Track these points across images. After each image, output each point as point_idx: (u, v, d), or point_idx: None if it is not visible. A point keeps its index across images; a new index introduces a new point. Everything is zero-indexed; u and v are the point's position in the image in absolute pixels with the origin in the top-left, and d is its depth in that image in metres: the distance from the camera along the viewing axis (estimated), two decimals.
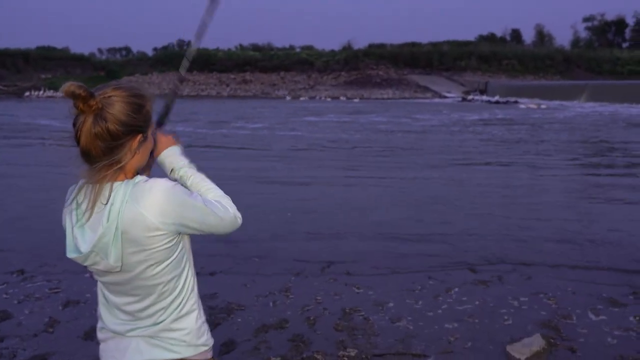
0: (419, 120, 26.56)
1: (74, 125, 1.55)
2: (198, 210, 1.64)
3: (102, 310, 1.79)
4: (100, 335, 1.83)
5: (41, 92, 60.57)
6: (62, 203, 1.69)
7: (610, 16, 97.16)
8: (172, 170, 1.86)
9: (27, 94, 59.80)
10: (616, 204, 8.63)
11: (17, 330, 4.13)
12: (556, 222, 7.39)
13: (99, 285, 1.79)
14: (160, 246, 1.61)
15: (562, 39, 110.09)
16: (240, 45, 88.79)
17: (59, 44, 77.80)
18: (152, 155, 1.83)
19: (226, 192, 1.81)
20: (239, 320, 4.29)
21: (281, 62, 71.58)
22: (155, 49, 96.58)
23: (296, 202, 8.72)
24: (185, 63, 2.07)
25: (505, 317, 4.33)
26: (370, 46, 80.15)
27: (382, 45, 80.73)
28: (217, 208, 1.70)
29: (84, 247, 1.60)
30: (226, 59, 74.81)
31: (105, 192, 1.57)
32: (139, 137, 1.63)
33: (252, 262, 5.76)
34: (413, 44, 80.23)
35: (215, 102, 49.38)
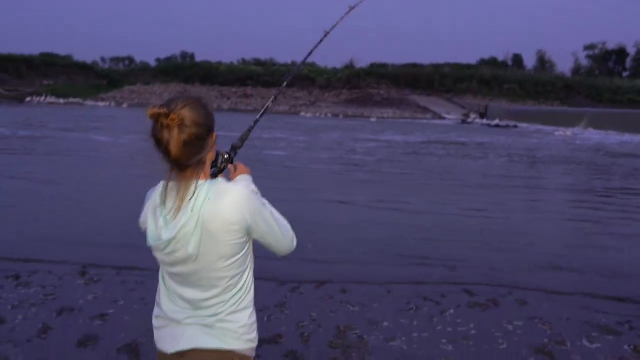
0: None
1: (159, 140, 1.74)
2: (267, 220, 1.89)
3: (163, 298, 1.96)
4: (156, 322, 2.00)
5: (43, 98, 60.61)
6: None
7: (611, 45, 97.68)
8: None
9: (28, 99, 59.84)
10: (613, 234, 8.63)
11: (11, 336, 4.12)
12: (553, 248, 7.40)
13: (161, 274, 1.97)
14: (233, 240, 1.82)
15: (563, 65, 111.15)
16: (243, 59, 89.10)
17: (62, 51, 77.19)
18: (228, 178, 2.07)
19: None
20: None
21: (283, 78, 71.76)
22: (158, 60, 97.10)
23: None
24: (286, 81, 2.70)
25: (500, 342, 4.33)
26: (372, 65, 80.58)
27: (384, 65, 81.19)
28: (282, 226, 1.95)
29: (167, 235, 1.80)
30: (228, 72, 75.12)
31: (192, 189, 1.79)
32: (214, 133, 1.90)
33: None
34: (415, 65, 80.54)
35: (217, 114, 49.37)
